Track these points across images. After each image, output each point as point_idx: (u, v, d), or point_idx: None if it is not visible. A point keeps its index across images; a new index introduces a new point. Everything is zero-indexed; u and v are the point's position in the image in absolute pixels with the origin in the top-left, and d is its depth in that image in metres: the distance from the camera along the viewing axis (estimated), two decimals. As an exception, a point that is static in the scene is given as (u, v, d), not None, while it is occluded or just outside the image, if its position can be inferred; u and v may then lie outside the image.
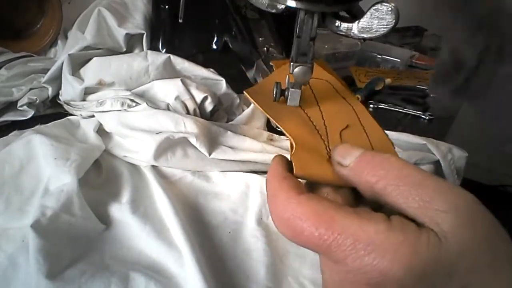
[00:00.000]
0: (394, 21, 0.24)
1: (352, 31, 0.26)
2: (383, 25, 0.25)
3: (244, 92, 0.29)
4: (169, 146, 0.49)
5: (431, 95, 0.81)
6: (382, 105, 0.76)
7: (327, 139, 0.27)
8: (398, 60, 0.99)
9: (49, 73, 0.62)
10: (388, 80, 0.83)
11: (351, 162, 0.22)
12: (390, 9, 0.24)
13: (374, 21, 0.25)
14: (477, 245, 0.19)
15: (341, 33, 0.26)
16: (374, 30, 0.25)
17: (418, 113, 0.74)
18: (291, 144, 0.26)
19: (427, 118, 0.73)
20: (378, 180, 0.21)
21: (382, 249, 0.19)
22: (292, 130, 0.26)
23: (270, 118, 0.28)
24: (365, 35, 0.26)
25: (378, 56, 1.01)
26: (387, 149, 0.27)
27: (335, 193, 0.24)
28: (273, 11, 0.28)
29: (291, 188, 0.22)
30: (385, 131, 0.29)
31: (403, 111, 0.75)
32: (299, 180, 0.24)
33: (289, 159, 0.25)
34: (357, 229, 0.19)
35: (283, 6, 0.27)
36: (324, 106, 0.30)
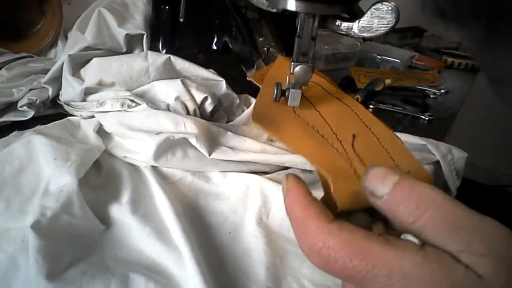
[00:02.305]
0: (394, 20, 0.24)
1: (353, 30, 0.26)
2: (383, 24, 0.25)
3: (252, 122, 0.28)
4: (169, 146, 0.49)
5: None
6: (382, 106, 0.76)
7: (347, 156, 0.26)
8: (398, 60, 0.99)
9: (49, 73, 0.62)
10: (388, 81, 0.83)
11: (385, 193, 0.21)
12: (390, 8, 0.24)
13: (375, 20, 0.25)
14: None
15: (342, 32, 0.26)
16: (374, 29, 0.25)
17: (418, 113, 0.75)
18: (320, 174, 0.25)
19: (426, 118, 0.73)
20: (415, 221, 0.20)
21: (419, 282, 0.18)
22: (319, 160, 0.25)
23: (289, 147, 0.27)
24: (365, 34, 0.26)
25: (378, 56, 1.01)
26: (404, 153, 0.27)
27: (364, 217, 0.24)
28: (274, 10, 0.28)
29: (320, 215, 0.21)
30: None
31: (403, 111, 0.75)
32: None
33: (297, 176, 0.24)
34: (392, 260, 0.19)
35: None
36: (326, 114, 0.30)
